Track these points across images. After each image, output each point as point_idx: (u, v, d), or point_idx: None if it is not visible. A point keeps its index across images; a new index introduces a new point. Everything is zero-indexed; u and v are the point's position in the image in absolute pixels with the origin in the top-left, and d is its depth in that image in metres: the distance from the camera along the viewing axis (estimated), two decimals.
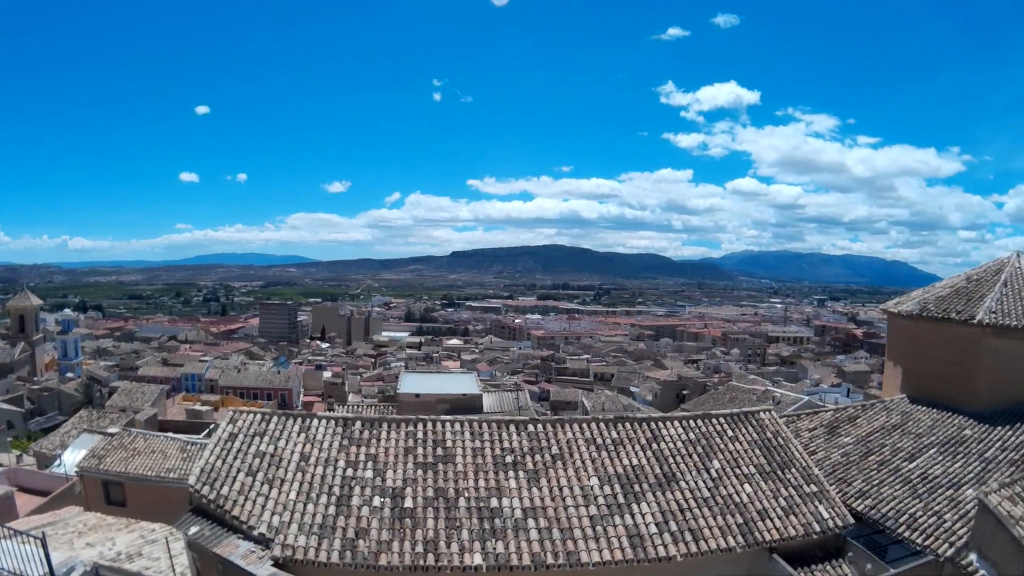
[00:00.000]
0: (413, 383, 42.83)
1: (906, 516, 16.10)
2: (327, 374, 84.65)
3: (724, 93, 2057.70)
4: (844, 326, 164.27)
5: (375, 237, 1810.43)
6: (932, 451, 18.68)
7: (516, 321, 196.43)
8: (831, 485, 17.36)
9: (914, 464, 18.32)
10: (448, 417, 16.61)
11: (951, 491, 16.40)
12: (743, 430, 17.63)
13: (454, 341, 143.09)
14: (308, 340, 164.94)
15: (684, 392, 63.11)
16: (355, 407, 44.87)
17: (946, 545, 14.61)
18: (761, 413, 18.64)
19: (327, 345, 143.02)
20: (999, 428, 18.52)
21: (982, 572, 13.51)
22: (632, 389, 72.71)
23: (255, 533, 12.58)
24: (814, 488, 16.25)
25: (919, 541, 15.16)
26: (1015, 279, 21.60)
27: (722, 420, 17.84)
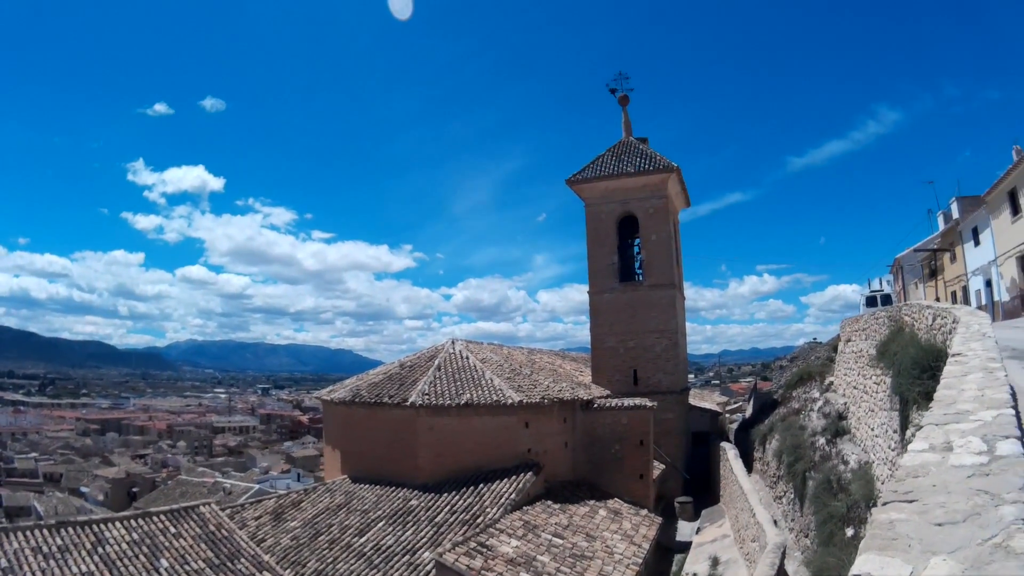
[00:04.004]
0: None
1: None
2: None
3: (191, 177, 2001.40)
4: (290, 413, 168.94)
5: None
6: (381, 524, 20.45)
7: None
8: (285, 570, 17.99)
9: (365, 538, 19.81)
10: None
11: (408, 556, 18.18)
12: (186, 525, 17.90)
13: None
14: None
15: (135, 489, 60.39)
16: None
17: None
18: (202, 507, 19.32)
19: None
20: (445, 495, 21.23)
21: None
22: (83, 489, 66.27)
23: None
24: (267, 575, 16.91)
25: None
26: (448, 363, 25.36)
27: (164, 517, 17.99)
